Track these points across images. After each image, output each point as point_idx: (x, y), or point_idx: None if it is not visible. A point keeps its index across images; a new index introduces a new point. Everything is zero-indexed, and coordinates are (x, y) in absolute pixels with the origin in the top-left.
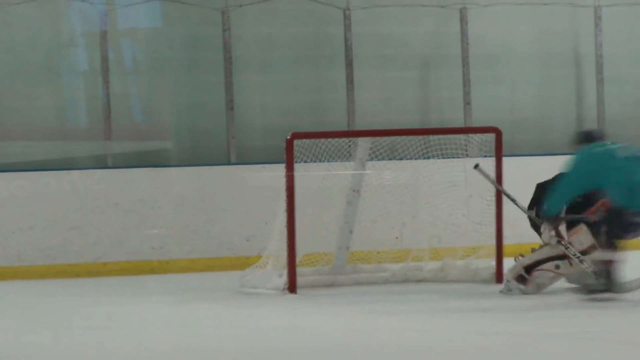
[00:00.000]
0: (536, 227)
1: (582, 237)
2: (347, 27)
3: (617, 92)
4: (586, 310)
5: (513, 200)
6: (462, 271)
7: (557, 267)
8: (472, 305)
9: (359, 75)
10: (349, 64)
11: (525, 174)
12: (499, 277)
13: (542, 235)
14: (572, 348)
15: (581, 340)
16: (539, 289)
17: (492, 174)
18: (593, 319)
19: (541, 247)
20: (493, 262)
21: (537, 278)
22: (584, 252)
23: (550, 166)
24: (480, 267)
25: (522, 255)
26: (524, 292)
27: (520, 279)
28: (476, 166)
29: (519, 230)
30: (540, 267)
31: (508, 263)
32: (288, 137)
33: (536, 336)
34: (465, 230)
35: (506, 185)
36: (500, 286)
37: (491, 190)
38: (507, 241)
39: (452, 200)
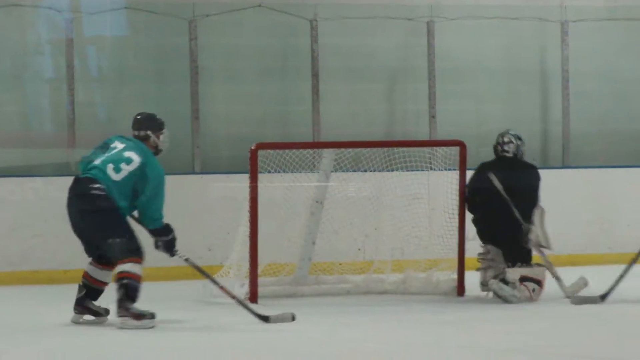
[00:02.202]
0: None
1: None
2: (314, 39)
3: (582, 108)
4: (547, 324)
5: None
6: (423, 283)
7: (534, 290)
8: (434, 317)
9: (324, 87)
10: (315, 76)
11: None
12: (459, 289)
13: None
14: None
15: (543, 355)
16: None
17: (456, 186)
18: (554, 334)
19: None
20: (454, 275)
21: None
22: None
23: None
24: (441, 279)
25: (510, 266)
26: (516, 298)
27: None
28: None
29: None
30: (527, 283)
31: (470, 276)
32: (252, 148)
33: (498, 351)
34: (427, 243)
35: None
36: (461, 297)
37: (454, 203)
38: (468, 254)
39: (415, 212)
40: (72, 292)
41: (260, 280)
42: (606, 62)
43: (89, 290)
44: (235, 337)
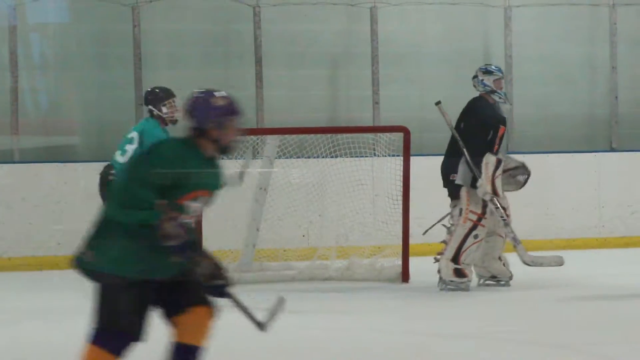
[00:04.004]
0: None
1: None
2: (257, 25)
3: (525, 93)
4: (492, 310)
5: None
6: (368, 270)
7: (476, 236)
8: (378, 304)
9: (268, 73)
10: (258, 62)
11: (434, 174)
12: (404, 276)
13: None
14: (477, 348)
15: (486, 340)
16: (472, 271)
17: (400, 172)
18: (499, 319)
19: (448, 233)
20: (399, 261)
21: (465, 261)
22: None
23: None
24: (385, 266)
25: (439, 254)
26: (468, 284)
27: (458, 273)
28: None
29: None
30: (463, 248)
31: (414, 262)
32: None
33: (441, 336)
34: (371, 229)
35: (414, 185)
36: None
37: (398, 189)
38: (413, 240)
39: (359, 199)
40: (15, 279)
41: None
42: (549, 47)
43: None
44: None
